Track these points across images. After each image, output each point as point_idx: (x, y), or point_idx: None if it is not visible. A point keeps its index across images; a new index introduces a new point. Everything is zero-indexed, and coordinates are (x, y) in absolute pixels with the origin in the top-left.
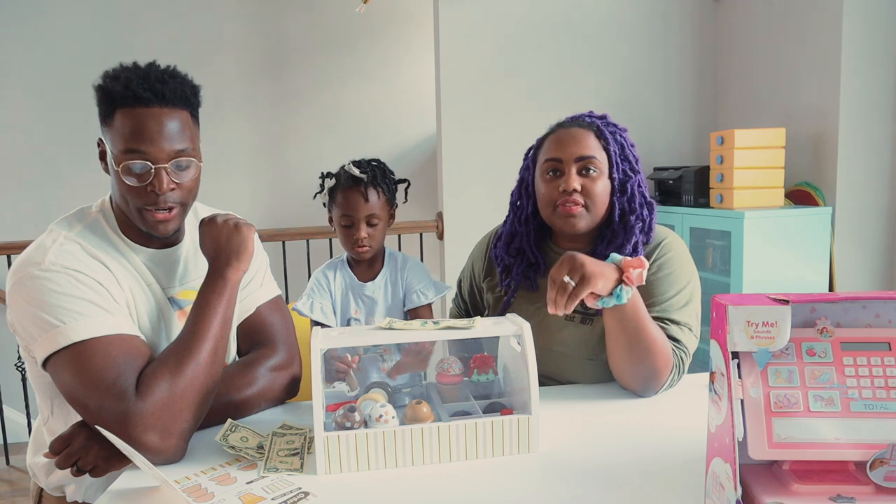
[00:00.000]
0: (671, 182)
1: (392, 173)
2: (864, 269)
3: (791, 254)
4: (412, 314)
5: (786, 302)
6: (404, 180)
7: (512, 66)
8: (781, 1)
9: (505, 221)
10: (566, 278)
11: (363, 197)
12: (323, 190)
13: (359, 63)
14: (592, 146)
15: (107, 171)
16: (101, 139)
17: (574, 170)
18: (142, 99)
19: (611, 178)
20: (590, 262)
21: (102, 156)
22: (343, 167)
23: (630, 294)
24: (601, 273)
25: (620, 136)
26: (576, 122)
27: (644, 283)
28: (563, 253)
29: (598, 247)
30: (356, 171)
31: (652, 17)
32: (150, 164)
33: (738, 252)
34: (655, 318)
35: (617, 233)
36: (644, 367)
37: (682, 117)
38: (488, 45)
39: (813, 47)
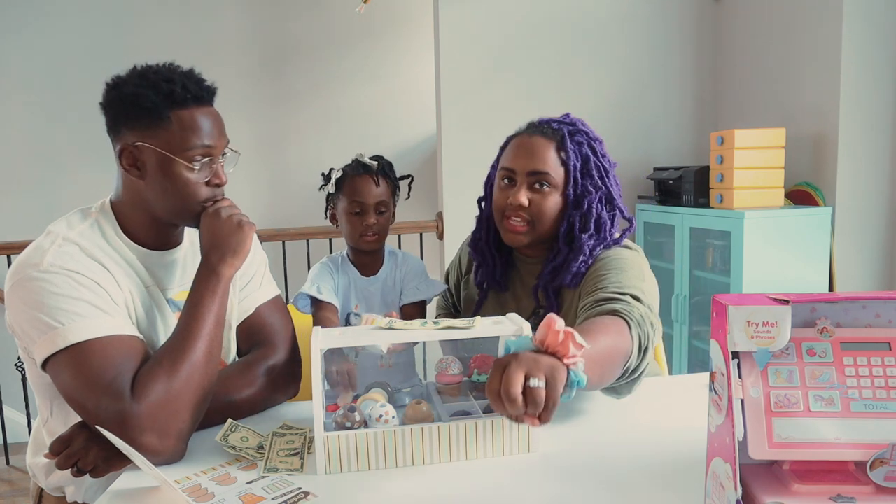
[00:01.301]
0: (671, 182)
1: None
2: (864, 269)
3: (791, 254)
4: (402, 310)
5: (786, 302)
6: (407, 176)
7: (512, 66)
8: (781, 1)
9: (476, 218)
10: (532, 381)
11: (374, 182)
12: (330, 181)
13: (359, 63)
14: (549, 160)
15: (140, 176)
16: (129, 145)
17: (525, 184)
18: (199, 98)
19: (564, 194)
20: (534, 355)
21: (132, 162)
22: (352, 160)
23: (582, 368)
24: (552, 362)
25: (588, 146)
26: (540, 128)
27: (585, 345)
28: (522, 258)
29: (550, 262)
30: (367, 160)
31: (652, 17)
32: (214, 157)
33: (738, 252)
34: (588, 305)
35: (561, 250)
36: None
37: (682, 117)
38: (488, 45)
39: (813, 47)
